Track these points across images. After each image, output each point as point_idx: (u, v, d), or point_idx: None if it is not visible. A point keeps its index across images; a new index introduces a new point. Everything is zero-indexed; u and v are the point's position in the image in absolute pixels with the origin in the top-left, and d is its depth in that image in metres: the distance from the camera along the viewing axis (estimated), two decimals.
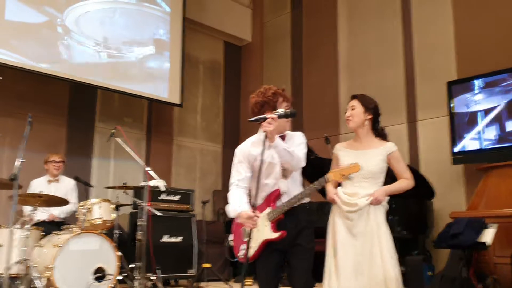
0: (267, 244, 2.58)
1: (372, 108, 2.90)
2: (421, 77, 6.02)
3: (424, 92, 5.96)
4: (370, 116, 2.90)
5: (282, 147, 2.51)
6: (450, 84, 5.45)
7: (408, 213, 4.99)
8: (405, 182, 2.88)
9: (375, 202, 2.76)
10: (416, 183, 5.04)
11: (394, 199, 4.80)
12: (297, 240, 2.57)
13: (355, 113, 2.89)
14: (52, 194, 4.69)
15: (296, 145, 2.63)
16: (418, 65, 6.06)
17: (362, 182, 2.81)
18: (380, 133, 2.95)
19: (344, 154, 2.93)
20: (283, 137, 2.65)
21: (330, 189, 2.91)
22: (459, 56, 5.68)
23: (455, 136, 5.32)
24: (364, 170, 2.76)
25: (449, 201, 5.39)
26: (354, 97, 2.97)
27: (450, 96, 5.41)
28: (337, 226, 2.81)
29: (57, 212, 5.00)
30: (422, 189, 5.15)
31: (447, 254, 4.66)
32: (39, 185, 5.00)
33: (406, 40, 6.22)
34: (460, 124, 5.31)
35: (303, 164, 2.61)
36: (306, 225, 2.61)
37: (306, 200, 2.65)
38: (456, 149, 5.30)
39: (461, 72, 5.58)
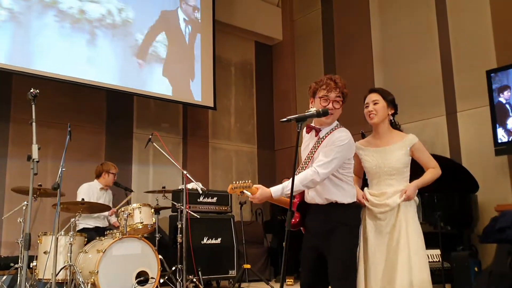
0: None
1: (392, 102, 2.81)
2: (458, 67, 5.83)
3: (462, 82, 5.77)
4: (392, 111, 2.80)
5: (286, 191, 2.53)
6: (489, 72, 5.26)
7: (452, 208, 4.86)
8: (433, 172, 2.76)
9: (407, 199, 2.67)
10: (458, 177, 4.93)
11: (436, 194, 4.75)
12: (328, 238, 2.56)
13: (379, 108, 2.77)
14: (105, 201, 5.12)
15: (319, 158, 2.57)
16: (455, 54, 5.87)
17: (388, 180, 2.71)
18: (397, 127, 2.85)
19: (365, 153, 2.82)
20: (317, 131, 2.66)
21: (357, 190, 2.79)
22: (497, 44, 5.47)
23: (497, 126, 5.12)
24: (388, 167, 2.68)
25: (494, 193, 5.20)
26: (374, 90, 2.85)
27: (490, 84, 5.22)
28: (367, 230, 2.71)
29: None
30: (465, 182, 5.00)
31: (494, 249, 4.49)
32: (91, 191, 5.18)
33: (441, 29, 6.03)
34: (502, 113, 5.11)
35: (314, 182, 2.53)
36: (338, 223, 2.57)
37: (345, 200, 2.60)
38: (499, 140, 5.10)
39: (500, 60, 5.37)
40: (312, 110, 2.52)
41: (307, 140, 2.74)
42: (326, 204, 2.60)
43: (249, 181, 2.52)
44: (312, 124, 2.73)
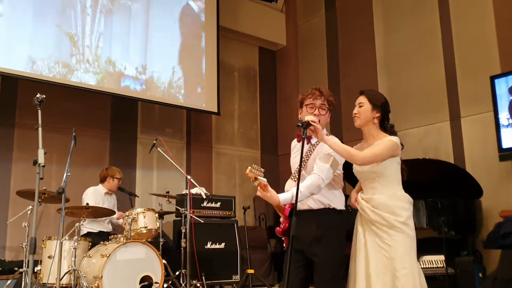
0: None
1: (380, 105, 2.73)
2: (462, 72, 5.83)
3: (466, 87, 5.77)
4: (378, 114, 2.72)
5: (292, 198, 2.50)
6: (493, 78, 5.26)
7: (456, 213, 4.85)
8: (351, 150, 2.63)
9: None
10: (462, 182, 4.93)
11: (440, 199, 4.75)
12: (317, 243, 2.59)
13: (362, 111, 2.73)
14: (110, 206, 5.13)
15: (318, 164, 2.62)
16: (458, 60, 5.87)
17: (371, 184, 2.67)
18: (389, 132, 2.72)
19: None
20: (309, 138, 2.71)
21: (352, 194, 2.82)
22: (501, 49, 5.47)
23: (501, 131, 5.12)
24: (367, 171, 2.65)
25: (498, 199, 5.18)
26: (362, 92, 2.81)
27: (494, 90, 5.22)
28: (357, 231, 2.71)
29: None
30: (469, 187, 4.99)
31: (498, 255, 4.48)
32: (96, 195, 5.19)
33: (444, 34, 6.04)
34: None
35: (320, 187, 2.58)
36: (328, 229, 2.60)
37: (337, 206, 2.66)
38: (503, 145, 5.09)
39: (504, 65, 5.37)
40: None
41: (299, 148, 2.76)
42: (319, 209, 2.65)
43: (263, 170, 2.52)
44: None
